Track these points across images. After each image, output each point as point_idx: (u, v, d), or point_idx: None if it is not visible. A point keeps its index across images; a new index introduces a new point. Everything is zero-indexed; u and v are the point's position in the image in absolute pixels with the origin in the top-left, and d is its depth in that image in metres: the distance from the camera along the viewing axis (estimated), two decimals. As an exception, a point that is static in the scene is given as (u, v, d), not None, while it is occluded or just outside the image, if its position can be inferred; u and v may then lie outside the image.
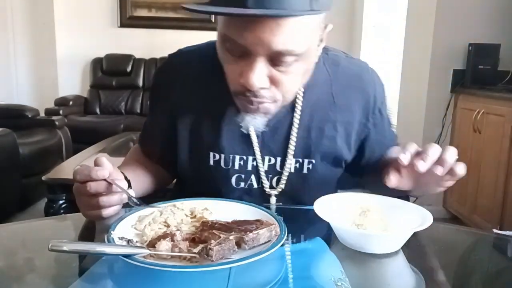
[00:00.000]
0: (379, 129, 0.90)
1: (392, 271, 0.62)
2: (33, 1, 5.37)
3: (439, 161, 0.67)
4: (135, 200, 0.71)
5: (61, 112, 4.01)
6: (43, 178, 1.94)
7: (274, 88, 0.72)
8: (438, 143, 3.16)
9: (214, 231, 0.59)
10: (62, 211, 1.86)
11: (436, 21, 2.88)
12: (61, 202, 1.89)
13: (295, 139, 0.84)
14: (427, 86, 2.98)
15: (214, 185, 0.86)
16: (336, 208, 0.69)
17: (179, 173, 0.92)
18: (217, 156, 0.85)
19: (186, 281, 0.55)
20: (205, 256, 0.53)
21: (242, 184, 0.86)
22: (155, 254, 0.56)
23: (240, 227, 0.61)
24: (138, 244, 0.59)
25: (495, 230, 0.79)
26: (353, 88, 0.86)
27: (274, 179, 0.86)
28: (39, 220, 0.82)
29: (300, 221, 0.82)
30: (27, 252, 0.69)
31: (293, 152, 0.84)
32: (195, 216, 0.70)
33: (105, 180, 0.68)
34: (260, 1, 0.62)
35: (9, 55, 5.49)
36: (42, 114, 3.82)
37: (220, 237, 0.57)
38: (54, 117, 3.56)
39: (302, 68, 0.73)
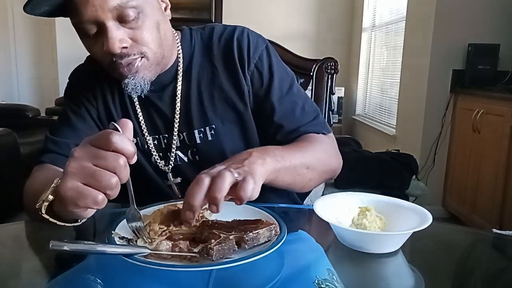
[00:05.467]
0: (262, 85, 0.92)
1: (392, 271, 0.62)
2: (33, 1, 5.37)
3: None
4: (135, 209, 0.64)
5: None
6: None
7: (135, 44, 0.79)
8: (437, 143, 3.17)
9: (214, 230, 0.60)
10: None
11: (435, 21, 2.88)
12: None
13: (192, 111, 0.91)
14: (427, 86, 2.98)
15: (140, 168, 0.92)
16: (336, 208, 0.69)
17: None
18: (135, 140, 0.91)
19: (186, 280, 0.55)
20: (206, 255, 0.54)
21: (163, 162, 0.93)
22: (155, 253, 0.56)
23: (240, 226, 0.61)
24: (139, 244, 0.60)
25: (494, 230, 0.79)
26: (229, 49, 0.92)
27: (188, 152, 0.93)
28: (38, 221, 0.82)
29: (300, 221, 0.82)
30: (27, 252, 0.70)
31: (193, 124, 0.91)
32: (195, 216, 0.70)
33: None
34: None
35: (10, 55, 5.49)
36: (43, 114, 3.82)
37: (220, 236, 0.57)
38: (54, 117, 3.57)
39: (150, 22, 0.80)
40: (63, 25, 4.52)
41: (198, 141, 0.91)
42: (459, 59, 2.89)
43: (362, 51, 4.50)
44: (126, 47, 0.78)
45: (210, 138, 0.91)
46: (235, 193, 0.59)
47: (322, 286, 0.52)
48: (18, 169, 2.54)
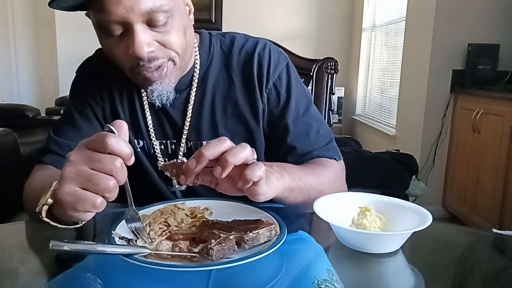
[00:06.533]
0: (278, 104, 0.90)
1: (392, 271, 0.62)
2: (34, 1, 5.38)
3: (220, 162, 0.59)
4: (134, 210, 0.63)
5: (62, 112, 4.00)
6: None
7: (162, 48, 0.76)
8: (437, 143, 3.17)
9: (214, 230, 0.60)
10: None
11: (435, 21, 2.88)
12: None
13: (202, 122, 0.89)
14: (427, 86, 2.99)
15: (145, 171, 0.91)
16: (335, 208, 0.69)
17: None
18: (141, 143, 0.90)
19: (186, 280, 0.55)
20: (206, 255, 0.54)
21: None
22: (155, 253, 0.56)
23: (240, 226, 0.61)
24: (139, 244, 0.60)
25: (494, 230, 0.79)
26: (248, 63, 0.89)
27: None
28: (38, 221, 0.82)
29: (300, 221, 0.82)
30: (27, 252, 0.70)
31: (202, 135, 0.89)
32: (196, 216, 0.70)
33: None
34: None
35: (10, 55, 5.49)
36: (43, 114, 3.82)
37: (220, 236, 0.57)
38: (55, 117, 3.57)
39: (178, 26, 0.77)
40: (63, 25, 4.53)
41: None
42: (459, 59, 2.89)
43: (362, 51, 4.50)
44: (153, 51, 0.75)
45: None
46: (243, 173, 0.58)
47: (322, 286, 0.51)
48: (18, 169, 2.54)
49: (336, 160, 0.91)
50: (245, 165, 0.59)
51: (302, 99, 0.92)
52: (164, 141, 0.90)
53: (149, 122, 0.89)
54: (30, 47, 5.55)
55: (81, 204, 0.55)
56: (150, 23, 0.73)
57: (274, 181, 0.66)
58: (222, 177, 0.59)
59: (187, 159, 0.88)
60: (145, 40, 0.73)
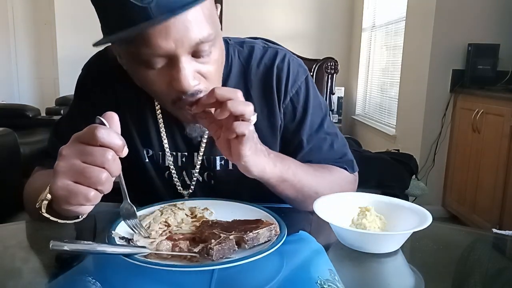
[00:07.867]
0: (293, 119, 0.88)
1: (392, 271, 0.62)
2: (34, 1, 5.38)
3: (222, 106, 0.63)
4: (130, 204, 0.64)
5: (62, 112, 4.00)
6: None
7: (203, 80, 0.72)
8: (437, 143, 3.17)
9: (214, 230, 0.60)
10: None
11: (435, 21, 2.88)
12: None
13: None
14: (427, 86, 2.99)
15: (151, 181, 0.89)
16: (335, 208, 0.69)
17: None
18: (151, 152, 0.88)
19: (186, 280, 0.55)
20: (206, 255, 0.54)
21: (176, 179, 0.88)
22: (155, 253, 0.56)
23: (240, 226, 0.61)
24: (139, 244, 0.60)
25: (494, 230, 0.79)
26: (267, 77, 0.87)
27: (205, 174, 0.88)
28: (39, 220, 0.82)
29: (300, 221, 0.82)
30: (27, 252, 0.70)
31: (217, 151, 0.84)
32: (196, 216, 0.70)
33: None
34: (163, 5, 0.61)
35: (10, 55, 5.49)
36: (43, 114, 3.83)
37: (220, 236, 0.57)
38: (55, 117, 3.57)
39: (218, 53, 0.74)
40: (63, 25, 4.53)
41: (218, 167, 0.86)
42: (459, 59, 2.89)
43: (362, 51, 4.50)
44: (197, 85, 0.70)
45: (231, 168, 0.86)
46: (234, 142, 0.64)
47: (325, 286, 0.52)
48: (18, 169, 2.54)
49: (347, 170, 0.90)
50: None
51: (317, 114, 0.89)
52: (174, 153, 0.87)
53: (162, 133, 0.86)
54: (30, 47, 5.55)
55: (74, 198, 0.56)
56: (195, 54, 0.69)
57: (262, 158, 0.69)
58: (218, 118, 0.63)
59: (200, 173, 0.88)
60: (191, 73, 0.68)
